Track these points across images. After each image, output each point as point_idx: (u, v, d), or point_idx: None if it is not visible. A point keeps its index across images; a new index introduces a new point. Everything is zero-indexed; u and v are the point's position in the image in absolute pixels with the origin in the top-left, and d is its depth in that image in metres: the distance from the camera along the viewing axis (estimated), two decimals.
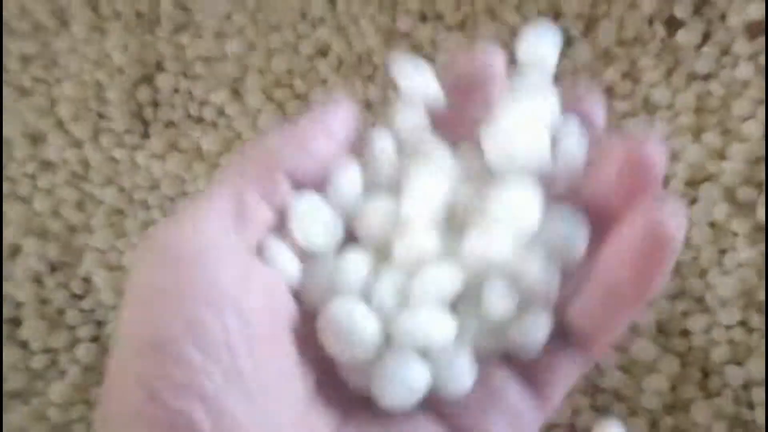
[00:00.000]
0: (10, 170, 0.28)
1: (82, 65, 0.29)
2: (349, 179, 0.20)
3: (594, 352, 0.20)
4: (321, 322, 0.19)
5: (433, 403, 0.19)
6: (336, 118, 0.20)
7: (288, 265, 0.19)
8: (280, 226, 0.19)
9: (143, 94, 0.28)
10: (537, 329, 0.19)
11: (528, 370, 0.20)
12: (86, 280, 0.27)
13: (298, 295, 0.19)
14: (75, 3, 0.30)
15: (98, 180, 0.28)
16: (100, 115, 0.29)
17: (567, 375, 0.20)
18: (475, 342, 0.19)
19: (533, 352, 0.19)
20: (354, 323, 0.19)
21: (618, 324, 0.19)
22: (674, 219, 0.18)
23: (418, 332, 0.19)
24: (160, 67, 0.29)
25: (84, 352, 0.27)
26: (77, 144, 0.29)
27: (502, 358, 0.20)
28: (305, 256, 0.19)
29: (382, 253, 0.20)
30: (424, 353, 0.19)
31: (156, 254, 0.18)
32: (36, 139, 0.29)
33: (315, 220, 0.19)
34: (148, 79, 0.29)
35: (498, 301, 0.19)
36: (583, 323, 0.19)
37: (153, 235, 0.18)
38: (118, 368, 0.17)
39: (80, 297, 0.27)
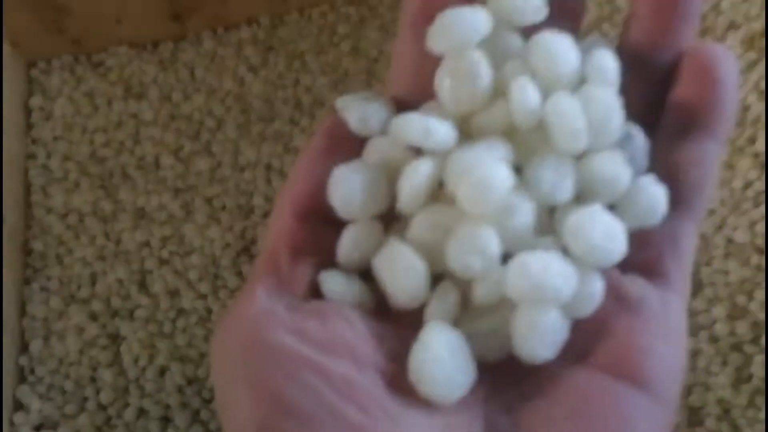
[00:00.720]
0: (158, 315, 0.39)
1: (202, 242, 0.40)
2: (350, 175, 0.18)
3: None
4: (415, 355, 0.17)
5: (575, 348, 0.17)
6: (323, 133, 0.19)
7: (344, 287, 0.18)
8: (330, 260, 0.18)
9: (244, 260, 0.39)
10: (654, 191, 0.18)
11: (643, 253, 0.18)
12: (212, 390, 0.38)
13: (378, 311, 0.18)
14: (197, 200, 0.41)
15: (218, 321, 0.41)
16: (216, 276, 0.39)
17: (687, 244, 0.18)
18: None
19: (659, 216, 0.18)
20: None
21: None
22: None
23: (542, 280, 0.17)
24: (254, 242, 0.40)
25: None
26: (202, 297, 0.39)
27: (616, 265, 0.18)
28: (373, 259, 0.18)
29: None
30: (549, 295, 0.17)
31: (221, 346, 0.18)
32: (173, 293, 0.39)
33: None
34: (247, 251, 0.40)
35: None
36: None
37: (216, 335, 0.18)
38: None
39: (209, 401, 0.38)
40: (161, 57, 0.45)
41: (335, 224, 0.19)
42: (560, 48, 0.19)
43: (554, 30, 0.19)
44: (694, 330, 0.36)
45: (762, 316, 0.35)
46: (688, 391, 0.34)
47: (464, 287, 0.18)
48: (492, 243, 0.17)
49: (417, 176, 0.18)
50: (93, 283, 0.40)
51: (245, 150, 0.41)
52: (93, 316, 0.39)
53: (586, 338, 0.17)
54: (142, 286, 0.40)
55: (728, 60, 0.19)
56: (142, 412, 0.38)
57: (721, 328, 0.35)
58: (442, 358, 0.17)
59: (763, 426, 0.34)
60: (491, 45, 0.19)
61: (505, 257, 0.18)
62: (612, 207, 0.18)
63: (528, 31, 0.19)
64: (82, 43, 0.44)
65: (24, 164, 0.42)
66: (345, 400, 0.16)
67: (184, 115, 0.43)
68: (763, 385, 0.34)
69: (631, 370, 0.17)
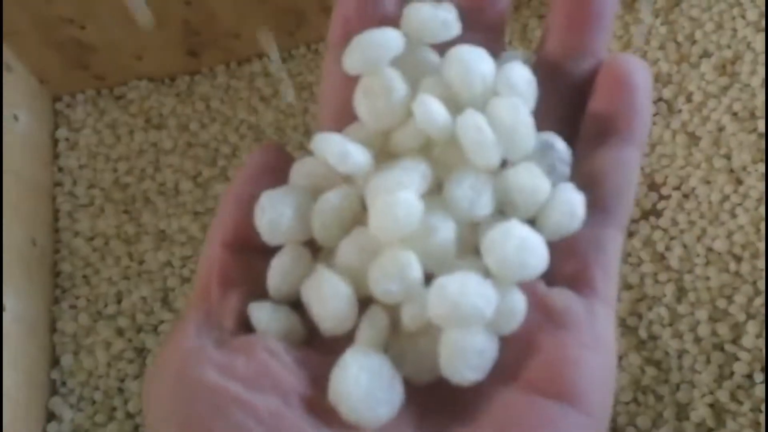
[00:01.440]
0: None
1: None
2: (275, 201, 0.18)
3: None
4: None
5: (504, 369, 0.17)
6: (250, 163, 0.19)
7: (272, 318, 0.18)
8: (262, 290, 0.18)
9: None
10: (572, 196, 0.17)
11: (570, 264, 0.18)
12: None
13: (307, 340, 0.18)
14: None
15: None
16: None
17: (613, 250, 0.18)
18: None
19: (577, 223, 0.17)
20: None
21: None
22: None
23: (463, 297, 0.16)
24: None
25: None
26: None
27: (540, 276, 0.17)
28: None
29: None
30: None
31: (152, 382, 0.18)
32: None
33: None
34: None
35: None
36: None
37: (149, 370, 0.19)
38: None
39: None
40: (179, 90, 0.47)
41: (265, 253, 0.19)
42: (473, 61, 0.18)
43: (471, 44, 0.19)
44: (679, 332, 0.38)
45: (742, 317, 0.38)
46: (675, 388, 0.37)
47: (394, 311, 0.18)
48: (411, 267, 0.17)
49: (325, 209, 0.18)
50: (119, 301, 0.42)
51: None
52: (120, 332, 0.41)
53: (516, 355, 0.17)
54: (165, 302, 0.41)
55: (642, 70, 0.19)
56: None
57: (703, 330, 0.38)
58: (360, 378, 0.16)
59: (745, 419, 0.36)
60: (408, 63, 0.19)
61: (430, 278, 0.18)
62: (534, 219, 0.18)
63: (448, 48, 0.19)
64: (104, 78, 0.47)
65: (52, 192, 0.45)
66: None
67: (201, 143, 0.45)
68: (743, 381, 0.37)
69: (559, 384, 0.17)
